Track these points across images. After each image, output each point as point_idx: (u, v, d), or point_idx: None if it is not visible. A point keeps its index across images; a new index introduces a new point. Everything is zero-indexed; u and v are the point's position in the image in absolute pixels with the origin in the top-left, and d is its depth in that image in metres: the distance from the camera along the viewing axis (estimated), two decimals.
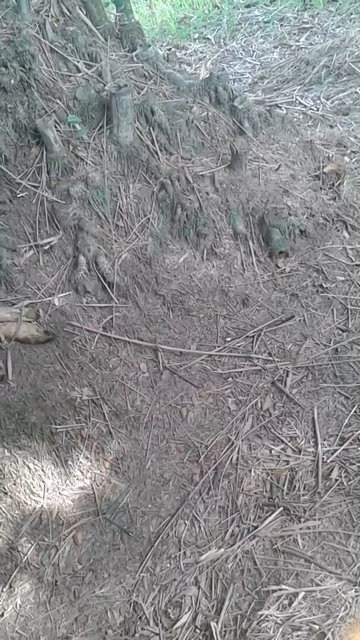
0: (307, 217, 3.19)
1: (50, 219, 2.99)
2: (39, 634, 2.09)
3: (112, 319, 2.89)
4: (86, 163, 3.06)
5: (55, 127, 2.99)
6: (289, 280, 3.09)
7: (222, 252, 3.11)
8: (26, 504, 2.33)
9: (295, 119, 4.09)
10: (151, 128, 3.19)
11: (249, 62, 5.27)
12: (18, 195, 2.95)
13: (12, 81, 2.96)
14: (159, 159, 3.16)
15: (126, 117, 3.03)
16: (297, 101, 4.46)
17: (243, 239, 3.15)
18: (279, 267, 3.13)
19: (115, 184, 3.07)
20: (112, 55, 3.49)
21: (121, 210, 3.06)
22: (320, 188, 3.36)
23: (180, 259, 3.08)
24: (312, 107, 4.35)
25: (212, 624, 1.97)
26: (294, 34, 5.46)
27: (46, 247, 2.94)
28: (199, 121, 3.38)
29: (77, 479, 2.43)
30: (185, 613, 2.04)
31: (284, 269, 3.12)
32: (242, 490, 2.35)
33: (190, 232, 3.08)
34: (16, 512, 2.31)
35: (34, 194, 2.98)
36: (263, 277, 3.10)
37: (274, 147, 3.52)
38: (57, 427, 2.50)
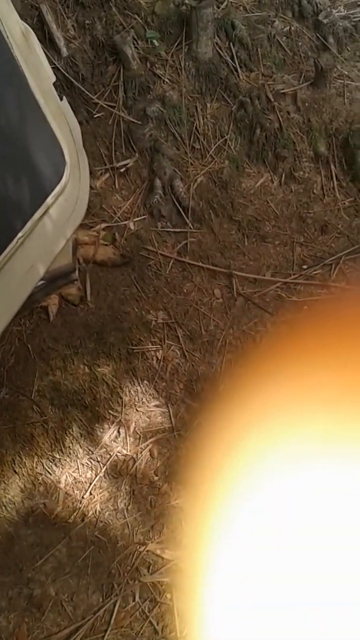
0: None
1: (126, 141, 2.94)
2: (117, 539, 2.21)
3: (186, 244, 2.87)
4: (163, 81, 2.96)
5: (133, 43, 2.89)
6: None
7: (302, 175, 2.99)
8: (105, 418, 2.43)
9: None
10: (231, 44, 3.04)
11: None
12: (95, 116, 2.92)
13: None
14: (238, 76, 3.02)
15: (206, 32, 2.89)
16: None
17: (324, 162, 3.00)
18: None
19: (192, 103, 2.97)
20: None
21: (197, 131, 2.98)
22: None
23: (257, 183, 2.99)
24: None
25: None
26: None
27: (122, 170, 2.92)
28: (281, 36, 3.18)
29: (153, 397, 2.49)
30: None
31: None
32: None
33: (268, 155, 2.97)
34: (96, 424, 2.42)
35: (110, 115, 2.93)
36: (344, 203, 2.97)
37: None
38: (134, 348, 2.55)
